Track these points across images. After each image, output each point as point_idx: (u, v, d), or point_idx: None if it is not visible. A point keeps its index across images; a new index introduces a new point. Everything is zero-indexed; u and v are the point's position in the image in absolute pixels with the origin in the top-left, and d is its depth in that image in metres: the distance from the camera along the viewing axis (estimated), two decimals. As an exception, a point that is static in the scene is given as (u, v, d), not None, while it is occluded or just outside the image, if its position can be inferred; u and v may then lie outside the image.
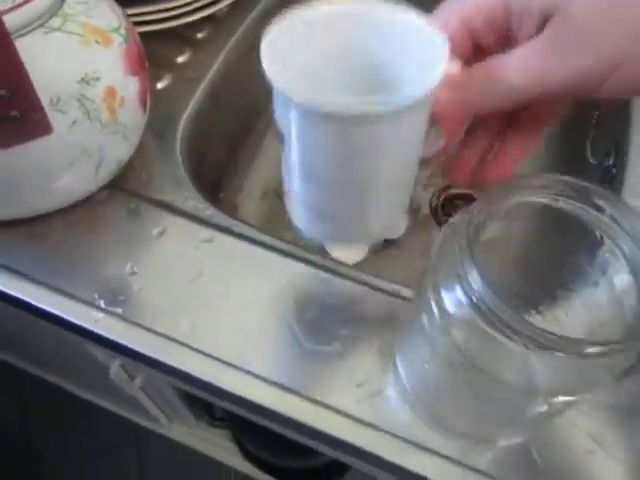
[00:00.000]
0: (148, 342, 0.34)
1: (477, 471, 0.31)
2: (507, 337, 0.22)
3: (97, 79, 0.34)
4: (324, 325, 0.36)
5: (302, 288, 0.38)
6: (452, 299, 0.24)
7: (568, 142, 0.61)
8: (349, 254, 0.55)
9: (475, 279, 0.22)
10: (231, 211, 0.57)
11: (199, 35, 0.52)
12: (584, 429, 0.34)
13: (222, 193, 0.56)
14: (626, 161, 0.46)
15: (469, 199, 0.60)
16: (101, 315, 0.35)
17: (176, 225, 0.39)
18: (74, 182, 0.36)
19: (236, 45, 0.53)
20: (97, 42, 0.34)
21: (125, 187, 0.42)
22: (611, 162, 0.49)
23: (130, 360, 0.35)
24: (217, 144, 0.55)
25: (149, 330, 0.34)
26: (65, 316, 0.35)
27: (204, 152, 0.51)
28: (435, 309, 0.25)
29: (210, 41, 0.52)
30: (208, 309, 0.36)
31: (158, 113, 0.47)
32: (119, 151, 0.38)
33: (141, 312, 0.35)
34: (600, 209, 0.25)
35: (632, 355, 0.23)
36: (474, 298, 0.22)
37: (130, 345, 0.34)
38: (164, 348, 0.34)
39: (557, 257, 0.28)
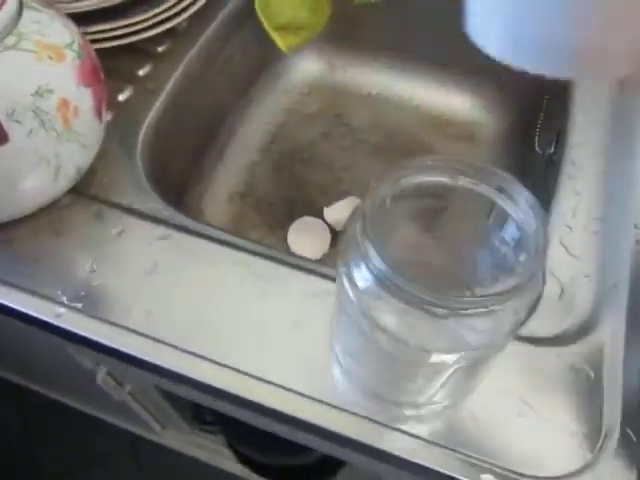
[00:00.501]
0: (105, 332, 0.37)
1: (413, 436, 0.34)
2: (404, 302, 0.25)
3: (50, 92, 0.37)
4: (281, 314, 0.38)
5: (263, 280, 0.40)
6: (359, 275, 0.27)
7: (520, 133, 0.64)
8: (311, 249, 0.57)
9: (374, 255, 0.24)
10: (197, 215, 0.60)
11: (160, 49, 0.55)
12: (516, 394, 0.36)
13: (186, 198, 0.59)
14: (566, 149, 0.49)
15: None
16: (63, 310, 0.38)
17: (134, 225, 0.42)
18: (35, 188, 0.39)
19: (196, 57, 0.56)
20: (50, 57, 0.37)
21: (88, 193, 0.45)
22: (552, 151, 0.52)
23: (90, 351, 0.37)
24: (181, 151, 0.57)
25: (105, 321, 0.37)
26: (29, 312, 0.38)
27: (167, 159, 0.54)
28: (347, 284, 0.27)
29: (170, 54, 0.55)
30: (162, 299, 0.38)
31: (120, 123, 0.50)
32: (77, 158, 0.41)
33: (99, 305, 0.38)
34: (496, 186, 0.27)
35: (521, 310, 0.26)
36: (375, 272, 0.25)
37: (89, 336, 0.37)
38: (119, 336, 0.37)
39: (463, 230, 0.31)
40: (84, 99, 0.39)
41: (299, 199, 0.64)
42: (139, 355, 0.36)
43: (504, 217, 0.28)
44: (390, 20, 0.69)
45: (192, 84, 0.56)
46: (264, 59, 0.69)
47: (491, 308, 0.24)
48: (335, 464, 0.96)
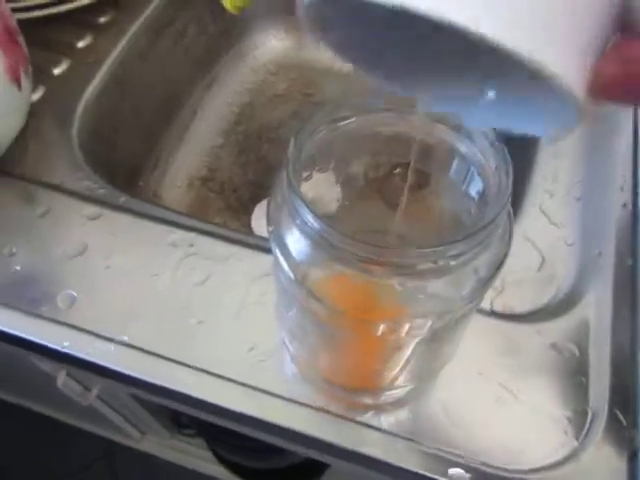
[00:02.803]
0: (20, 323, 0.32)
1: (372, 428, 0.29)
2: (340, 262, 0.20)
3: (-49, 51, 0.32)
4: (226, 297, 0.34)
5: (207, 260, 0.36)
6: (291, 239, 0.22)
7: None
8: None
9: (303, 210, 0.20)
10: (154, 200, 0.55)
11: (101, 20, 0.51)
12: (492, 377, 0.32)
13: (142, 181, 0.54)
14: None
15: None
16: (-26, 300, 0.33)
17: (62, 205, 0.38)
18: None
19: (141, 29, 0.51)
20: (-46, 15, 0.33)
21: (15, 172, 0.40)
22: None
23: (8, 345, 0.33)
24: (133, 131, 0.53)
25: (20, 310, 0.32)
26: None
27: (114, 138, 0.50)
28: (279, 252, 0.23)
29: (113, 25, 0.50)
30: (88, 284, 0.34)
31: (55, 98, 0.45)
32: (-9, 129, 0.36)
33: (15, 292, 0.33)
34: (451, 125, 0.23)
35: (482, 268, 0.21)
36: (306, 230, 0.21)
37: (5, 329, 0.32)
38: (35, 327, 0.32)
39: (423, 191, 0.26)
40: (-5, 61, 0.35)
41: (266, 182, 0.60)
42: (59, 348, 0.32)
43: (465, 166, 0.24)
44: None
45: (139, 58, 0.51)
46: (225, 35, 0.65)
47: (441, 264, 0.19)
48: (320, 464, 0.91)
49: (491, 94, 0.19)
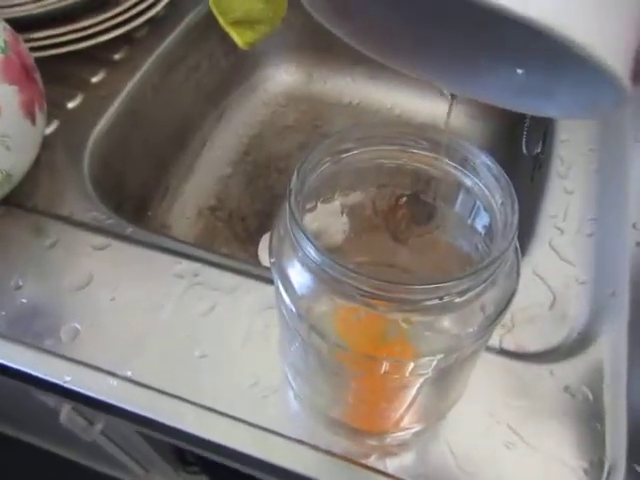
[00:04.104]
0: (25, 357, 0.32)
1: (377, 471, 0.28)
2: (342, 296, 0.20)
3: (-33, 85, 0.33)
4: (231, 328, 0.33)
5: (212, 290, 0.35)
6: (293, 272, 0.22)
7: (507, 137, 0.59)
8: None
9: (305, 243, 0.20)
10: (163, 230, 0.55)
11: (116, 56, 0.52)
12: (502, 420, 0.30)
13: (150, 211, 0.55)
14: (553, 147, 0.45)
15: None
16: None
17: (69, 235, 0.38)
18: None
19: (154, 64, 0.52)
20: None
21: (27, 204, 0.41)
22: (539, 150, 0.47)
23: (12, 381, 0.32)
24: (143, 162, 0.53)
25: (25, 344, 0.32)
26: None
27: (125, 170, 0.50)
28: (280, 286, 0.22)
29: (127, 61, 0.52)
30: (93, 316, 0.33)
31: (68, 131, 0.46)
32: (3, 162, 0.36)
33: (20, 325, 0.33)
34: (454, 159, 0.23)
35: (489, 305, 0.21)
36: (308, 263, 0.20)
37: (6, 363, 0.32)
38: (40, 361, 0.32)
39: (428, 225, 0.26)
40: (9, 97, 0.35)
41: (274, 212, 0.60)
42: (61, 382, 0.31)
43: (471, 200, 0.23)
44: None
45: (151, 92, 0.52)
46: (237, 69, 0.66)
47: (447, 300, 0.19)
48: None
49: (519, 71, 0.19)
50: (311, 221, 0.24)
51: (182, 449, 0.86)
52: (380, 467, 0.28)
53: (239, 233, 0.58)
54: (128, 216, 0.41)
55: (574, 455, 0.29)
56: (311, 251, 0.20)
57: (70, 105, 0.47)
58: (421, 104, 0.66)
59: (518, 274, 0.21)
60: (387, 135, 0.23)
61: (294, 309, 0.22)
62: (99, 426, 0.72)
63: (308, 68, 0.70)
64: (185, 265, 0.36)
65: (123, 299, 0.35)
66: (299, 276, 0.22)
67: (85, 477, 1.01)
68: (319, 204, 0.25)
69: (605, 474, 0.28)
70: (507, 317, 0.34)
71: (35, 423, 0.83)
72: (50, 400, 0.59)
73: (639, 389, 0.31)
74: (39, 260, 0.37)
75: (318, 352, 0.24)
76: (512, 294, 0.21)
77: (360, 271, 0.18)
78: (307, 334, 0.23)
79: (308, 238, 0.19)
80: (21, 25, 0.42)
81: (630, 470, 0.28)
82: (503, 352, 0.32)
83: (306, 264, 0.20)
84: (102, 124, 0.47)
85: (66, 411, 0.65)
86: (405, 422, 0.27)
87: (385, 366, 0.21)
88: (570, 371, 0.32)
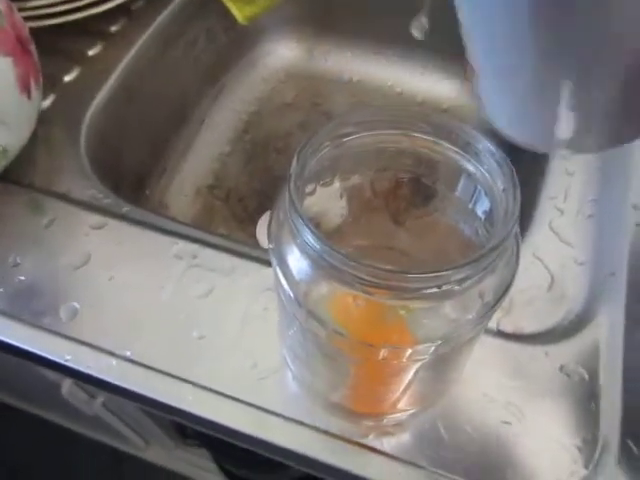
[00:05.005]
0: (22, 334, 0.32)
1: (374, 451, 0.29)
2: (341, 283, 0.20)
3: (-41, 59, 0.32)
4: (223, 303, 0.34)
5: (210, 272, 0.35)
6: (292, 258, 0.22)
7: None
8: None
9: (304, 230, 0.20)
10: (160, 209, 0.55)
11: (112, 28, 0.51)
12: (498, 400, 0.31)
13: (149, 191, 0.54)
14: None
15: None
16: (-24, 309, 0.33)
17: (67, 214, 0.38)
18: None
19: (152, 38, 0.51)
20: (-36, 24, 0.33)
21: (23, 181, 0.40)
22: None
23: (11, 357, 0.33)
24: (140, 139, 0.53)
25: (23, 321, 0.32)
26: None
27: (122, 146, 0.50)
28: (279, 271, 0.22)
29: (123, 35, 0.51)
30: (91, 295, 0.33)
31: (64, 105, 0.45)
32: (-2, 137, 0.36)
33: (19, 303, 0.33)
34: (457, 143, 0.22)
35: (488, 293, 0.21)
36: (307, 250, 0.20)
37: (5, 339, 0.32)
38: (38, 338, 0.32)
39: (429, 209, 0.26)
40: (3, 70, 0.35)
41: (272, 192, 0.60)
42: (61, 361, 0.31)
43: (472, 185, 0.23)
44: (373, 4, 0.65)
45: (148, 67, 0.51)
46: (236, 44, 0.65)
47: (446, 288, 0.19)
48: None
49: None
50: (310, 205, 0.24)
51: (182, 424, 0.88)
52: (377, 446, 0.29)
53: (237, 213, 0.58)
54: (126, 194, 0.41)
55: (568, 433, 0.29)
56: (310, 238, 0.19)
57: (66, 79, 0.47)
58: (423, 81, 0.65)
59: (517, 261, 0.21)
60: (389, 119, 0.22)
61: (292, 294, 0.22)
62: (100, 399, 0.73)
63: (308, 44, 0.69)
64: (183, 246, 0.36)
65: (121, 279, 0.35)
66: (298, 262, 0.22)
67: (86, 447, 1.03)
68: (318, 187, 0.25)
69: (598, 451, 0.29)
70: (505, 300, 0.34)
71: (37, 395, 0.84)
72: (51, 374, 0.60)
73: (634, 368, 0.31)
74: (36, 238, 0.36)
75: (316, 337, 0.24)
76: (511, 281, 0.21)
77: (359, 259, 0.18)
78: (305, 320, 0.23)
79: (307, 226, 0.19)
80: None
81: (624, 445, 0.28)
82: (500, 334, 0.33)
83: (305, 251, 0.20)
84: (99, 99, 0.46)
85: (67, 385, 0.66)
86: (402, 404, 0.27)
87: (383, 352, 0.21)
88: (566, 352, 0.32)
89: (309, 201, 0.24)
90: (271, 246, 0.22)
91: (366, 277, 0.19)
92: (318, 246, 0.19)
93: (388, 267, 0.19)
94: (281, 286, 0.22)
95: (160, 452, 1.01)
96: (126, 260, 0.35)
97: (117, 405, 0.78)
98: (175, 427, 0.90)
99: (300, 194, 0.21)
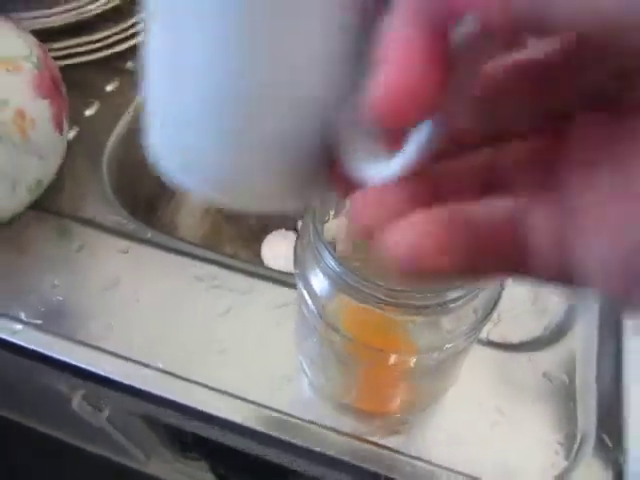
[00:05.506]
0: (61, 348, 0.35)
1: (382, 447, 0.32)
2: (358, 301, 0.24)
3: (5, 102, 0.36)
4: (247, 326, 0.37)
5: (228, 292, 0.39)
6: (315, 278, 0.26)
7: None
8: (286, 263, 0.56)
9: (327, 256, 0.24)
10: (170, 230, 0.59)
11: (128, 64, 0.55)
12: (488, 402, 0.35)
13: (160, 213, 0.58)
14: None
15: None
16: (20, 327, 0.36)
17: (95, 239, 0.41)
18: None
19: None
20: (7, 70, 0.37)
21: (52, 208, 0.44)
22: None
23: (48, 368, 0.36)
24: (152, 166, 0.57)
25: (63, 337, 0.36)
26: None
27: (138, 173, 0.53)
28: (303, 288, 0.26)
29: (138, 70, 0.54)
30: (122, 313, 0.37)
31: (87, 138, 0.49)
32: (35, 170, 0.40)
33: (59, 321, 0.37)
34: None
35: (479, 309, 0.25)
36: (328, 272, 0.24)
37: (46, 352, 0.36)
38: (77, 352, 0.35)
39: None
40: (41, 111, 0.38)
41: (275, 214, 0.63)
42: (95, 370, 0.35)
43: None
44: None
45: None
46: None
47: (446, 305, 0.23)
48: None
49: None
50: (333, 226, 0.28)
51: (182, 436, 0.90)
52: (384, 443, 0.33)
53: (242, 232, 0.62)
54: (141, 216, 0.45)
55: (551, 431, 0.33)
56: (332, 262, 0.23)
57: (87, 113, 0.50)
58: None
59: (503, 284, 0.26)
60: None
61: (315, 309, 0.26)
62: (106, 413, 0.76)
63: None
64: (201, 268, 0.40)
65: (147, 299, 0.38)
66: (320, 282, 0.26)
67: (90, 462, 1.05)
68: (331, 217, 0.29)
69: (577, 445, 0.33)
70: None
71: (47, 411, 0.87)
72: (63, 387, 0.63)
73: (606, 372, 0.36)
74: (68, 261, 0.40)
75: (332, 345, 0.28)
76: (499, 297, 0.25)
77: (375, 281, 0.22)
78: (324, 330, 0.27)
79: (329, 252, 0.23)
80: (41, 36, 0.45)
81: (599, 440, 0.33)
82: (490, 343, 0.37)
83: (327, 273, 0.24)
84: (118, 131, 0.50)
85: (78, 398, 0.69)
86: (406, 405, 0.31)
87: (391, 359, 0.25)
88: (548, 359, 0.36)
89: (332, 223, 0.29)
90: (297, 269, 0.26)
91: (380, 296, 0.23)
92: (339, 269, 0.23)
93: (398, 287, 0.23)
94: (305, 303, 0.26)
95: (160, 465, 1.03)
96: (151, 281, 0.39)
97: (121, 419, 0.80)
98: (176, 440, 0.92)
99: (322, 223, 0.25)
